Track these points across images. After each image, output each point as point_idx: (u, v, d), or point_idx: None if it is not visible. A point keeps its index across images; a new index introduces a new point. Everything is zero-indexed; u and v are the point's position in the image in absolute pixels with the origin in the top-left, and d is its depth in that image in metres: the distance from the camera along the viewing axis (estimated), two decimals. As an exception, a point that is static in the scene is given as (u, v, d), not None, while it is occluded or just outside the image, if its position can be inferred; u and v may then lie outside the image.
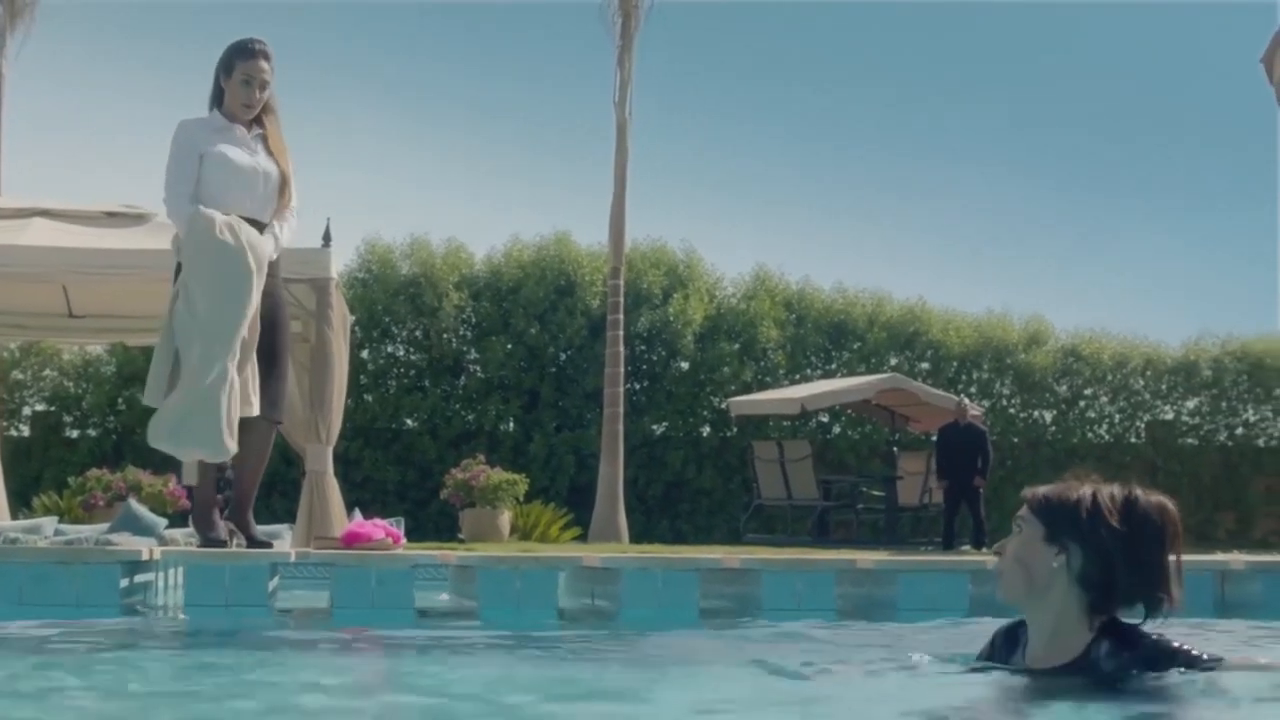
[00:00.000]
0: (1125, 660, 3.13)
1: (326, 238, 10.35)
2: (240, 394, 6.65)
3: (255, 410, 6.79)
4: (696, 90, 35.21)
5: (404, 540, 7.34)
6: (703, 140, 36.62)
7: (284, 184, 6.96)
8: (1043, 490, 3.27)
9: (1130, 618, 3.22)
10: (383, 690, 3.78)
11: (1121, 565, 3.13)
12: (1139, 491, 3.21)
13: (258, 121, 6.98)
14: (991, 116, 38.67)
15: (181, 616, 6.54)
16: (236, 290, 6.63)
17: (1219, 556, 7.19)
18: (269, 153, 6.96)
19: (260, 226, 6.88)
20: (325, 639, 5.46)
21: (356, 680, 4.05)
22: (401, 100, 34.68)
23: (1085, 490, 3.19)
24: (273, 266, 6.95)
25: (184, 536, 8.76)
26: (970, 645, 3.56)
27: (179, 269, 6.76)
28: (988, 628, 3.51)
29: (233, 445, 6.62)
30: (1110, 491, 3.19)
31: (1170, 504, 3.23)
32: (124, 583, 6.34)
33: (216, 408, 6.49)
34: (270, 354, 6.96)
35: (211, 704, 3.30)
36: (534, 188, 35.93)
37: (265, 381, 6.91)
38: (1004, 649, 3.39)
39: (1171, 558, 3.17)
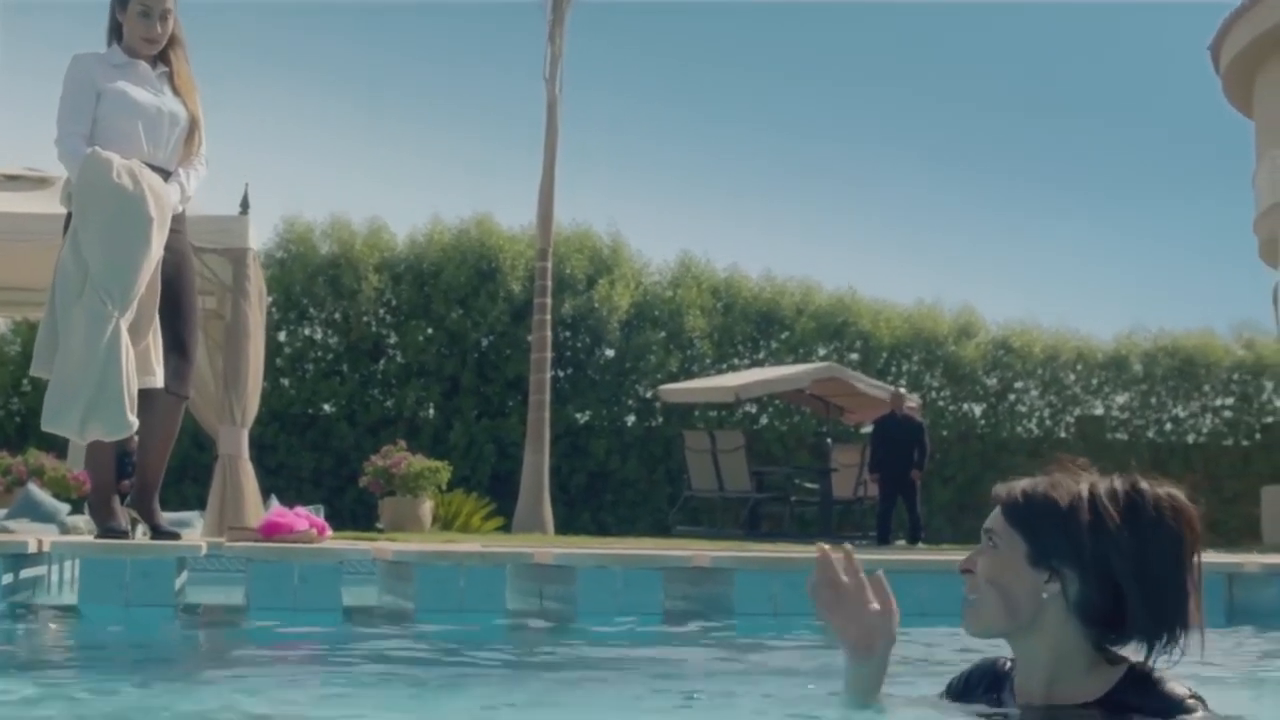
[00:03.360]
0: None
1: (244, 205, 9.60)
2: (141, 363, 5.85)
3: (158, 382, 5.99)
4: (620, 75, 34.65)
5: (329, 531, 6.63)
6: (628, 125, 36.09)
7: (193, 127, 6.17)
8: (1022, 491, 2.38)
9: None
10: None
11: (1135, 592, 2.30)
12: (1144, 485, 2.34)
13: (163, 57, 6.18)
14: (924, 105, 38.46)
15: (55, 625, 5.72)
16: (133, 241, 5.78)
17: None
18: (175, 92, 6.17)
19: (165, 174, 6.08)
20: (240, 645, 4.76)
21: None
22: (324, 77, 33.82)
23: (1081, 491, 2.34)
24: (177, 220, 6.14)
25: (87, 524, 8.01)
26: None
27: (69, 220, 5.96)
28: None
29: (134, 420, 5.82)
30: (1110, 489, 2.35)
31: (1182, 497, 2.36)
32: (7, 578, 5.60)
33: (116, 377, 5.66)
34: (174, 318, 6.14)
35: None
36: (458, 167, 35.28)
37: (170, 350, 6.10)
38: (981, 691, 2.52)
39: (1192, 572, 2.33)
